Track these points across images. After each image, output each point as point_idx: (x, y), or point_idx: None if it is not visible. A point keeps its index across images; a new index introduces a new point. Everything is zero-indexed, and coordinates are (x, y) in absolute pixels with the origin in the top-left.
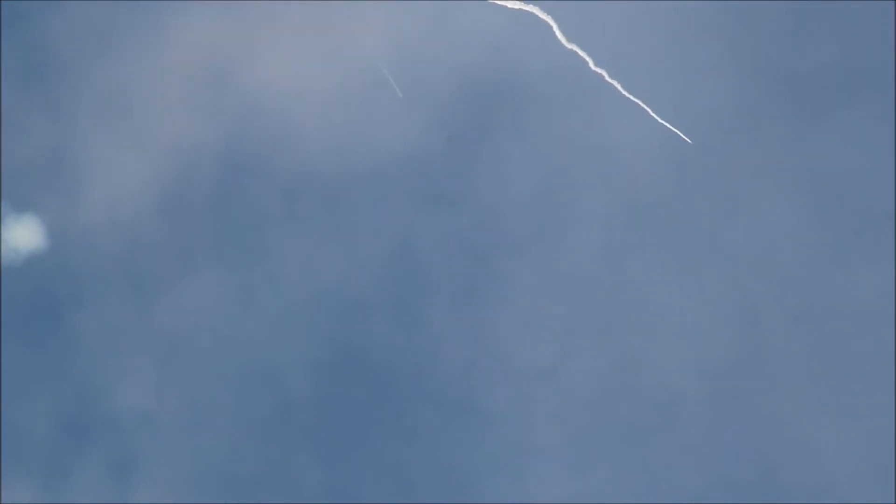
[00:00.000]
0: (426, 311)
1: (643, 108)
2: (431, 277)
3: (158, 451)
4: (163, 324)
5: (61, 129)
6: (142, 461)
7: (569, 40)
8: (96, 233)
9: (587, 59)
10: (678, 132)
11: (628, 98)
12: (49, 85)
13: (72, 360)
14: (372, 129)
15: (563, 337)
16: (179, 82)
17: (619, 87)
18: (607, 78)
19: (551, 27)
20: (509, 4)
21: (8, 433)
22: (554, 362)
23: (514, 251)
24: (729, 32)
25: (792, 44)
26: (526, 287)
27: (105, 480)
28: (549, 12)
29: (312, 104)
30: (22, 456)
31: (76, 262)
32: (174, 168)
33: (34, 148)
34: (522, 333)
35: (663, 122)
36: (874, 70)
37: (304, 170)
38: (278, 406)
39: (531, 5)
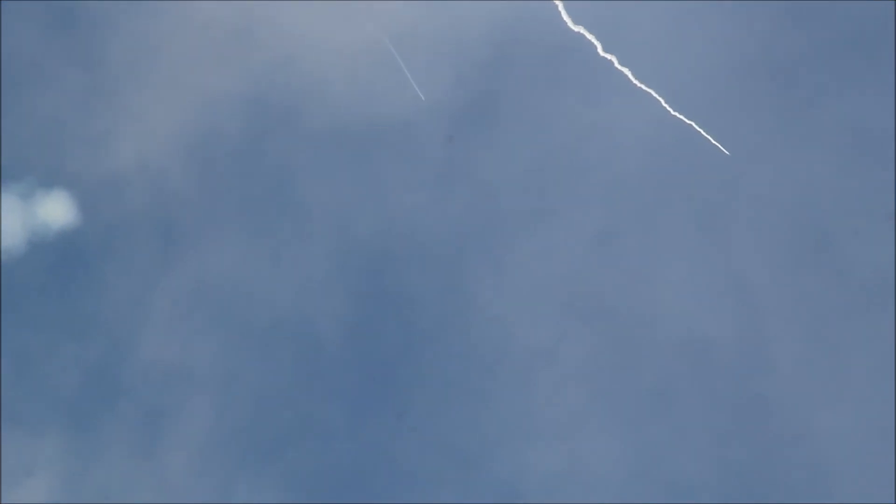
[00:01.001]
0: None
1: (655, 98)
2: (423, 257)
3: (188, 404)
4: (192, 276)
5: (92, 78)
6: (171, 415)
7: (575, 23)
8: (125, 184)
9: (595, 42)
10: (693, 124)
11: (639, 87)
12: (79, 34)
13: (101, 312)
14: (399, 83)
15: (561, 318)
16: (209, 33)
17: (629, 75)
18: (617, 65)
19: (557, 8)
20: None
21: (38, 387)
22: (552, 344)
23: (511, 230)
24: (731, 31)
25: (792, 44)
26: (523, 267)
27: (134, 434)
28: None
29: (342, 56)
30: (52, 410)
31: (105, 214)
32: (204, 119)
33: (64, 98)
34: (520, 314)
35: (676, 113)
36: (874, 69)
37: (333, 121)
38: (309, 358)
39: None
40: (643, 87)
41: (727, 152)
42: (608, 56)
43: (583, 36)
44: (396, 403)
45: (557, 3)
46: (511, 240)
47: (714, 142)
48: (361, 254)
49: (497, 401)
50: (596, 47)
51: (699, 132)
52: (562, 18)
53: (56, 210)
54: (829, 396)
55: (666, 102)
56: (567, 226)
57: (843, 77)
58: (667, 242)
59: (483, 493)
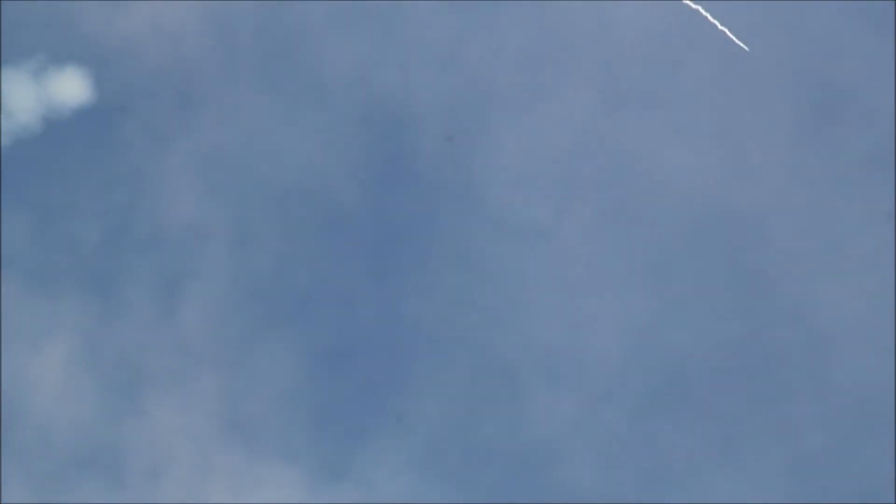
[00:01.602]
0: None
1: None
2: (421, 133)
3: (206, 265)
4: (209, 137)
5: None
6: (189, 276)
7: None
8: (141, 46)
9: None
10: (732, 37)
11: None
12: None
13: (118, 176)
14: None
15: (558, 195)
16: None
17: None
18: None
19: None
20: None
21: (55, 249)
22: (549, 220)
23: (507, 108)
24: None
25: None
26: (520, 144)
27: (152, 295)
28: None
29: None
30: (72, 271)
31: (121, 76)
32: None
33: None
34: (516, 191)
35: (714, 21)
36: (874, 69)
37: None
38: (326, 219)
39: None
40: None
41: (727, 31)
42: None
43: None
44: (415, 264)
45: None
46: (509, 114)
47: (713, 20)
48: (379, 116)
49: (496, 274)
50: None
51: (697, 9)
52: None
53: (70, 87)
54: (828, 269)
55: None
56: (565, 100)
57: (841, 80)
58: (665, 116)
59: (483, 369)
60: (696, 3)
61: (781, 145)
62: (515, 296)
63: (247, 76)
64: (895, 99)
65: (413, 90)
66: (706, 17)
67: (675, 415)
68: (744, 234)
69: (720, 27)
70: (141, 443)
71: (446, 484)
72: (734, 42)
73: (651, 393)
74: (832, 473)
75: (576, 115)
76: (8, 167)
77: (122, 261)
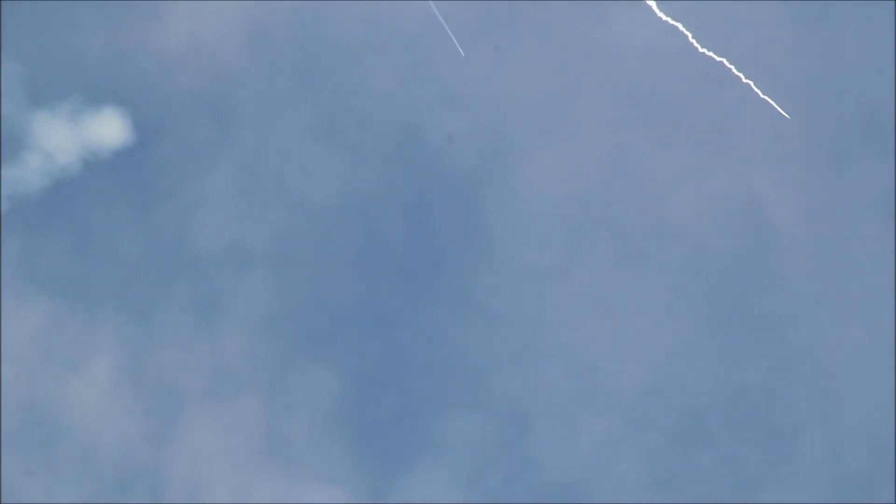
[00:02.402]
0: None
1: (672, 25)
2: (435, 176)
3: (244, 287)
4: (248, 158)
5: None
6: (227, 299)
7: None
8: (179, 60)
9: None
10: (714, 55)
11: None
12: None
13: (156, 193)
14: None
15: (569, 238)
16: None
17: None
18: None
19: None
20: None
21: (97, 269)
22: (560, 263)
23: (519, 150)
24: None
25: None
26: (531, 187)
27: (190, 318)
28: None
29: None
30: (113, 293)
31: (159, 91)
32: None
33: None
34: (527, 234)
35: (697, 44)
36: (874, 70)
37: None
38: (367, 240)
39: None
40: (663, 17)
41: (740, 74)
42: None
43: None
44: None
45: None
46: (522, 158)
47: (728, 64)
48: (423, 137)
49: (507, 318)
50: None
51: (711, 56)
52: None
53: (108, 127)
54: (837, 314)
55: (691, 36)
56: (578, 143)
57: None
58: (675, 160)
59: (492, 411)
60: (719, 57)
61: (793, 188)
62: (523, 342)
63: (287, 90)
64: (895, 103)
65: (428, 132)
66: (730, 69)
67: (688, 456)
68: (756, 277)
69: (746, 81)
70: (181, 464)
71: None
72: (756, 92)
73: (664, 434)
74: None
75: (590, 157)
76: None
77: (163, 282)
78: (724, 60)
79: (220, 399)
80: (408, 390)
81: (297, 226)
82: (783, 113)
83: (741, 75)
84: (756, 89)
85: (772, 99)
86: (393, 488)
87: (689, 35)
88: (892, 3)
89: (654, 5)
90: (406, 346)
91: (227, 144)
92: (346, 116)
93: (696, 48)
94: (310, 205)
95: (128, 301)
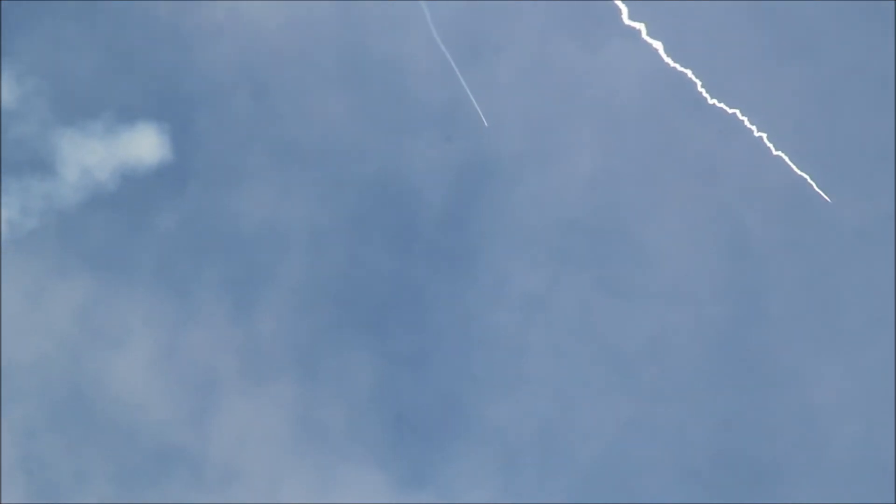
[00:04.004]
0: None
1: (653, 46)
2: (421, 201)
3: (280, 266)
4: (287, 134)
5: None
6: (264, 275)
7: None
8: (217, 38)
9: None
10: (688, 72)
11: (636, 32)
12: None
13: (194, 169)
14: None
15: (555, 263)
16: None
17: (625, 17)
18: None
19: None
20: None
21: (131, 246)
22: (545, 288)
23: (506, 175)
24: None
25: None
26: (518, 212)
27: (225, 297)
28: None
29: None
30: (144, 271)
31: (196, 63)
32: None
33: None
34: (515, 259)
35: (670, 61)
36: (874, 70)
37: None
38: (407, 222)
39: None
40: (647, 38)
41: (725, 105)
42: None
43: None
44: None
45: None
46: (507, 183)
47: (705, 94)
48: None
49: (489, 345)
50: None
51: (694, 80)
52: None
53: (144, 142)
54: (823, 346)
55: (664, 52)
56: (563, 169)
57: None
58: (662, 189)
59: (461, 449)
60: (731, 109)
61: (778, 221)
62: (506, 370)
63: (326, 68)
64: (895, 105)
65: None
66: (723, 109)
67: (671, 486)
68: (738, 310)
69: (750, 127)
70: (220, 442)
71: (527, 489)
72: (747, 126)
73: (646, 465)
74: None
75: (575, 185)
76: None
77: (201, 261)
78: (696, 80)
79: (256, 379)
80: (445, 373)
81: (336, 205)
82: (770, 147)
83: (720, 102)
84: (750, 125)
85: (763, 132)
86: (430, 471)
87: (664, 56)
88: (893, 2)
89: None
90: (444, 329)
91: (265, 121)
92: (387, 94)
93: (669, 64)
94: (348, 184)
95: (166, 279)
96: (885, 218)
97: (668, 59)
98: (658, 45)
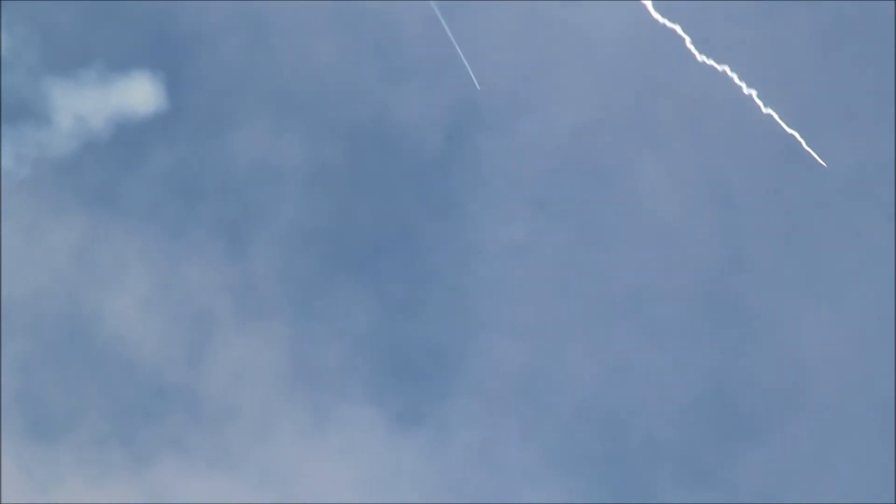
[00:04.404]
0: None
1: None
2: (402, 151)
3: (274, 206)
4: (280, 75)
5: None
6: (258, 216)
7: None
8: None
9: None
10: (676, 27)
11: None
12: None
13: (189, 107)
14: None
15: (535, 215)
16: None
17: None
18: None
19: None
20: None
21: (127, 186)
22: (526, 240)
23: (487, 127)
24: None
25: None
26: (499, 163)
27: (220, 236)
28: None
29: None
30: (139, 210)
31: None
32: None
33: None
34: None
35: (657, 16)
36: (874, 70)
37: None
38: (402, 163)
39: None
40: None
41: (709, 60)
42: None
43: None
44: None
45: None
46: (488, 135)
47: (693, 49)
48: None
49: (470, 295)
50: None
51: (682, 36)
52: None
53: (139, 93)
54: (804, 297)
55: (652, 7)
56: (543, 121)
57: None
58: (643, 140)
59: (441, 398)
60: (720, 66)
61: (764, 174)
62: (486, 320)
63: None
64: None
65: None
66: (714, 66)
67: (647, 438)
68: (719, 260)
69: (744, 86)
70: (216, 380)
71: (521, 430)
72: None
73: (623, 417)
74: None
75: (557, 135)
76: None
77: (196, 201)
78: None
79: (251, 317)
80: (438, 313)
81: (330, 145)
82: (761, 105)
83: (709, 59)
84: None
85: (753, 89)
86: (425, 409)
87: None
88: (893, 2)
89: None
90: (437, 269)
91: (258, 64)
92: (382, 40)
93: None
94: (342, 124)
95: (162, 218)
96: (871, 170)
97: (656, 15)
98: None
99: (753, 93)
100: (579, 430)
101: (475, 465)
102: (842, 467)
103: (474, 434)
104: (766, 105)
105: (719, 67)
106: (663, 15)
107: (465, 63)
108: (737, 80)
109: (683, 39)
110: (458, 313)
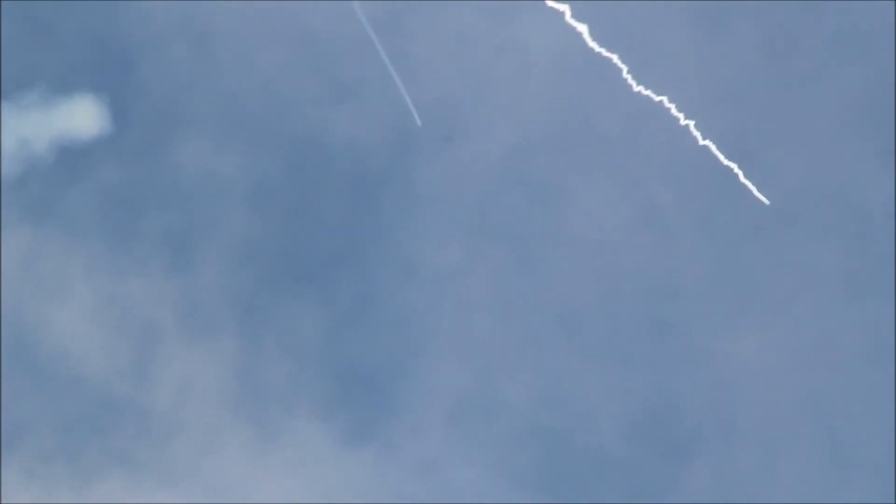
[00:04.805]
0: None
1: (575, 28)
2: (337, 172)
3: (218, 221)
4: (228, 85)
5: None
6: (203, 229)
7: None
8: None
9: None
10: (613, 57)
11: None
12: None
13: (131, 125)
14: None
15: (469, 238)
16: None
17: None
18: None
19: None
20: None
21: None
22: (459, 263)
23: (422, 149)
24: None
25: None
26: (433, 187)
27: (166, 249)
28: None
29: None
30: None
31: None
32: None
33: None
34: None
35: (593, 44)
36: (874, 70)
37: None
38: (347, 173)
39: None
40: (571, 21)
41: (647, 90)
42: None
43: None
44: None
45: None
46: (423, 159)
47: (630, 80)
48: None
49: (404, 320)
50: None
51: (620, 66)
52: None
53: (82, 115)
54: (735, 322)
55: (589, 36)
56: (477, 146)
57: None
58: (578, 166)
59: (388, 414)
60: (658, 96)
61: (690, 198)
62: (421, 345)
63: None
64: (895, 99)
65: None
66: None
67: (581, 468)
68: (651, 287)
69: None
70: (162, 394)
71: (471, 445)
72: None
73: (563, 434)
74: None
75: (491, 158)
76: None
77: (141, 214)
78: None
79: (198, 331)
80: (388, 328)
81: (273, 161)
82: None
83: (647, 90)
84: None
85: (691, 120)
86: (374, 425)
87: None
88: (893, 2)
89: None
90: (386, 283)
91: (207, 72)
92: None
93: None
94: (285, 139)
95: (106, 231)
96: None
97: (592, 44)
98: (583, 28)
99: (691, 124)
100: (523, 447)
101: (422, 481)
102: (778, 481)
103: (421, 450)
104: (704, 137)
105: (657, 98)
106: (601, 44)
107: (407, 98)
108: (675, 111)
109: (621, 70)
110: (402, 330)
